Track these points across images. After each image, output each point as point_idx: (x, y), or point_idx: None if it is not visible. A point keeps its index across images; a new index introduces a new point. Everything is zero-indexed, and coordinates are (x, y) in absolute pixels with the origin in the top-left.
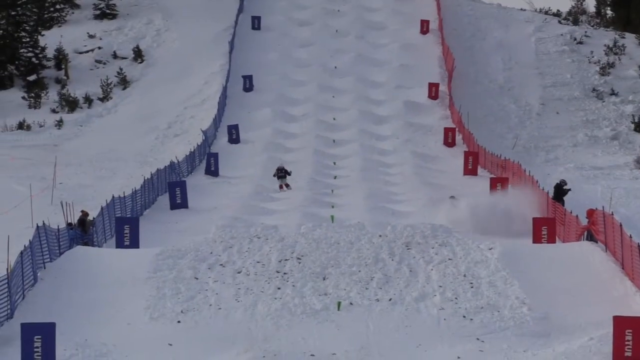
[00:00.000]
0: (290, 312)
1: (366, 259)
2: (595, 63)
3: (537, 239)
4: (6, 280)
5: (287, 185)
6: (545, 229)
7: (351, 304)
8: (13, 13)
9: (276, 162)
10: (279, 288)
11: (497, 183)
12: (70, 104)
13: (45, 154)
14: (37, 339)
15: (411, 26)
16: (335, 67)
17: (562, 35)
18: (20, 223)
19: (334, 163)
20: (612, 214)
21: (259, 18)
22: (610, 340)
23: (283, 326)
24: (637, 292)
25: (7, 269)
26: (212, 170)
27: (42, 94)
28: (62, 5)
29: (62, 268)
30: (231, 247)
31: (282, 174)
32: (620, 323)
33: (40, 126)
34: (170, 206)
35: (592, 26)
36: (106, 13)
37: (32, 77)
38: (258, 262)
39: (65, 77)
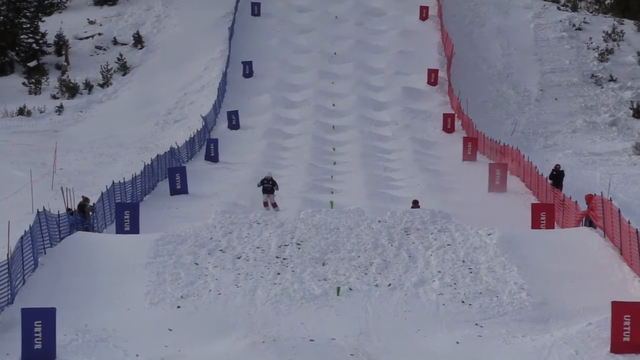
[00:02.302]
0: (290, 298)
1: (365, 245)
2: (594, 49)
3: (535, 225)
4: (6, 266)
5: (275, 206)
6: (544, 215)
7: (350, 289)
8: (12, 0)
9: (276, 149)
10: (278, 273)
11: (496, 169)
12: (71, 90)
13: (46, 140)
14: (37, 324)
15: (410, 12)
16: (335, 54)
17: (560, 21)
18: (21, 209)
19: (334, 149)
20: (611, 200)
21: (258, 4)
22: (609, 325)
23: (282, 311)
24: (636, 278)
25: (8, 255)
26: (212, 156)
27: (43, 80)
28: None
29: (63, 253)
30: (231, 232)
31: (268, 184)
32: (619, 308)
33: (41, 112)
34: (170, 192)
35: (591, 12)
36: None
37: (32, 63)
38: (257, 247)
39: (65, 63)
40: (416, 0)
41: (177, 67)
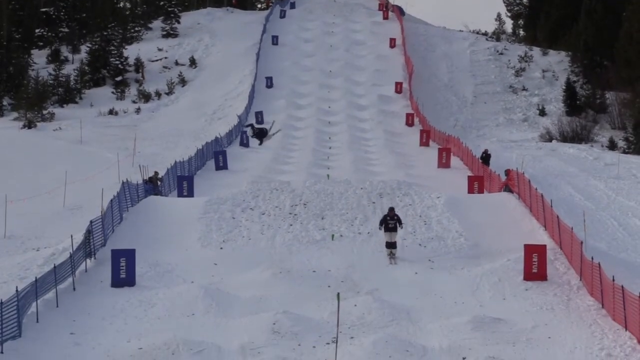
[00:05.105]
0: (299, 242)
1: (352, 204)
2: (511, 68)
3: (470, 190)
4: (101, 220)
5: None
6: (476, 184)
7: (341, 236)
8: (105, 33)
9: (289, 138)
10: (291, 225)
11: (443, 151)
12: (145, 97)
13: (128, 132)
14: (122, 260)
15: (383, 42)
16: (330, 71)
17: (488, 48)
18: (111, 180)
19: (329, 138)
20: (523, 173)
21: (277, 37)
22: (522, 261)
23: (294, 251)
24: (541, 228)
25: (101, 212)
26: (244, 143)
27: (126, 90)
28: (140, 28)
29: (140, 211)
30: (257, 196)
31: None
32: (529, 249)
33: (124, 112)
34: (215, 168)
35: (510, 42)
36: (170, 33)
37: (118, 78)
38: (276, 206)
39: (142, 78)
40: (387, 34)
41: (220, 81)
